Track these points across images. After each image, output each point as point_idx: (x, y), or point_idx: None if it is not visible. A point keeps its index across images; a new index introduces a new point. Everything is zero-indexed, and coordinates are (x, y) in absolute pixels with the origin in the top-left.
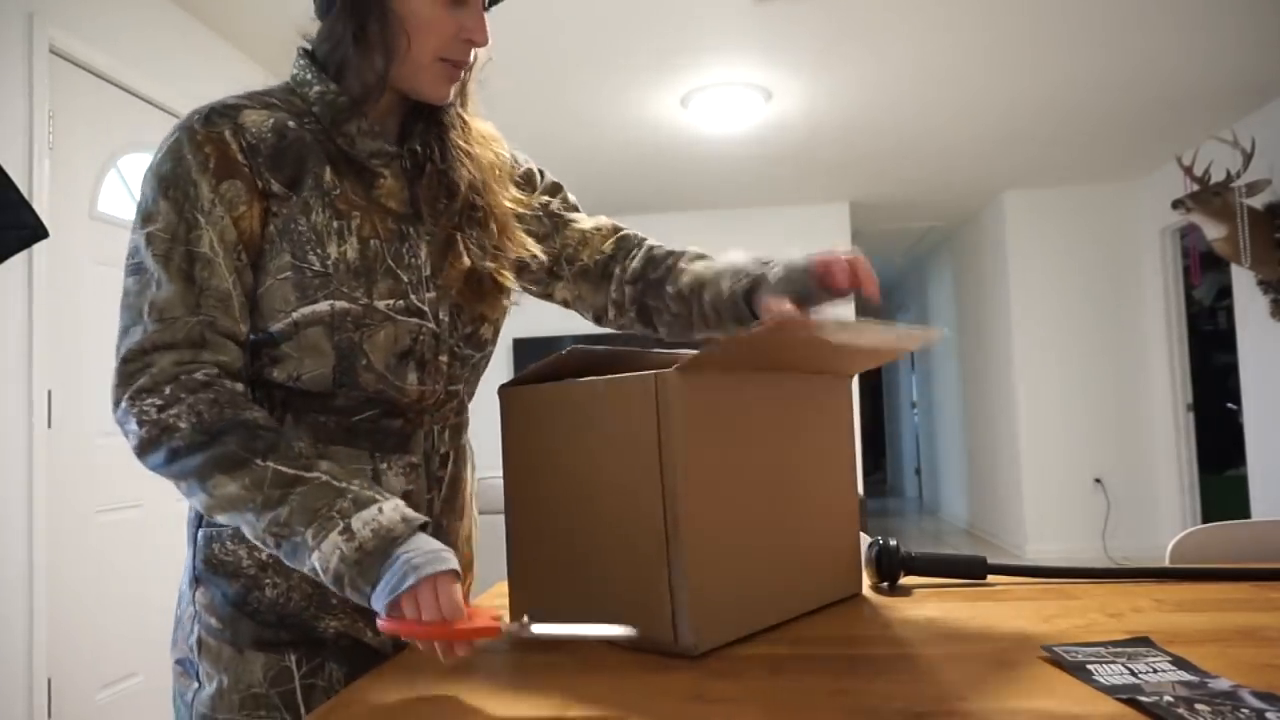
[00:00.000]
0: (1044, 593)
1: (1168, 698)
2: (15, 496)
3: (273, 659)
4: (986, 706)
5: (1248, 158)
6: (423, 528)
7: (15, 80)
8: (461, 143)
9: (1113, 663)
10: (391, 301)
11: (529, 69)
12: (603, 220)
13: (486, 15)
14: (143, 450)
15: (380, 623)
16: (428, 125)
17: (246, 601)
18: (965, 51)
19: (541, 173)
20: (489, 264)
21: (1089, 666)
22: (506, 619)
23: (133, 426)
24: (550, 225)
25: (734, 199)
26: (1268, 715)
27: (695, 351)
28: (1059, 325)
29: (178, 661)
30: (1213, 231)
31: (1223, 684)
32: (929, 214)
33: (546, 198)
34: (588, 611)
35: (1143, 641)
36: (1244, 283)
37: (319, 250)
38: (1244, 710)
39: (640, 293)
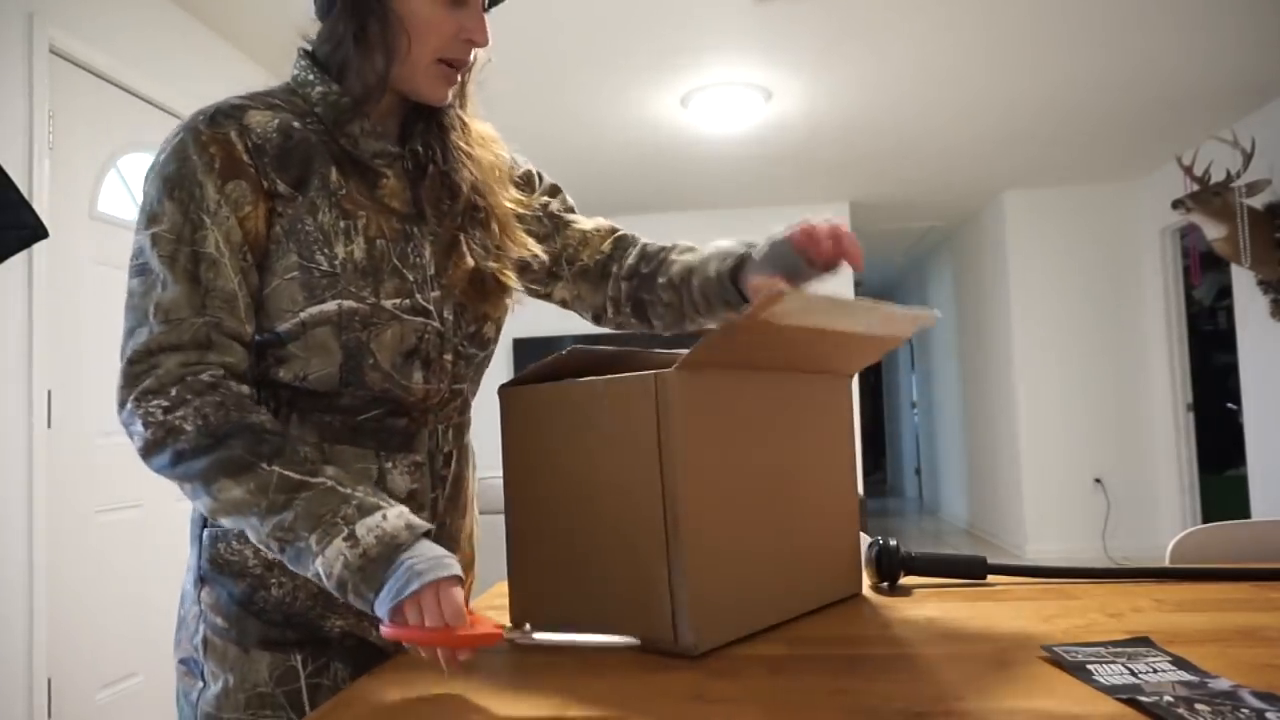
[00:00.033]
0: (1044, 593)
1: (1168, 698)
2: (15, 496)
3: (278, 658)
4: (986, 706)
5: (1248, 158)
6: (426, 535)
7: (15, 80)
8: (462, 144)
9: (1113, 663)
10: (398, 301)
11: (529, 69)
12: (601, 221)
13: (486, 16)
14: (148, 452)
15: (383, 629)
16: (428, 126)
17: (252, 601)
18: (965, 51)
19: (540, 175)
20: (492, 264)
21: (1089, 666)
22: (507, 621)
23: (138, 428)
24: (551, 226)
25: (734, 199)
26: (1268, 715)
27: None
28: (1059, 325)
29: (182, 661)
30: (1213, 231)
31: (1223, 684)
32: (929, 214)
33: (546, 198)
34: (587, 611)
35: (1143, 641)
36: (1244, 283)
37: (326, 250)
38: (1244, 710)
39: (635, 288)
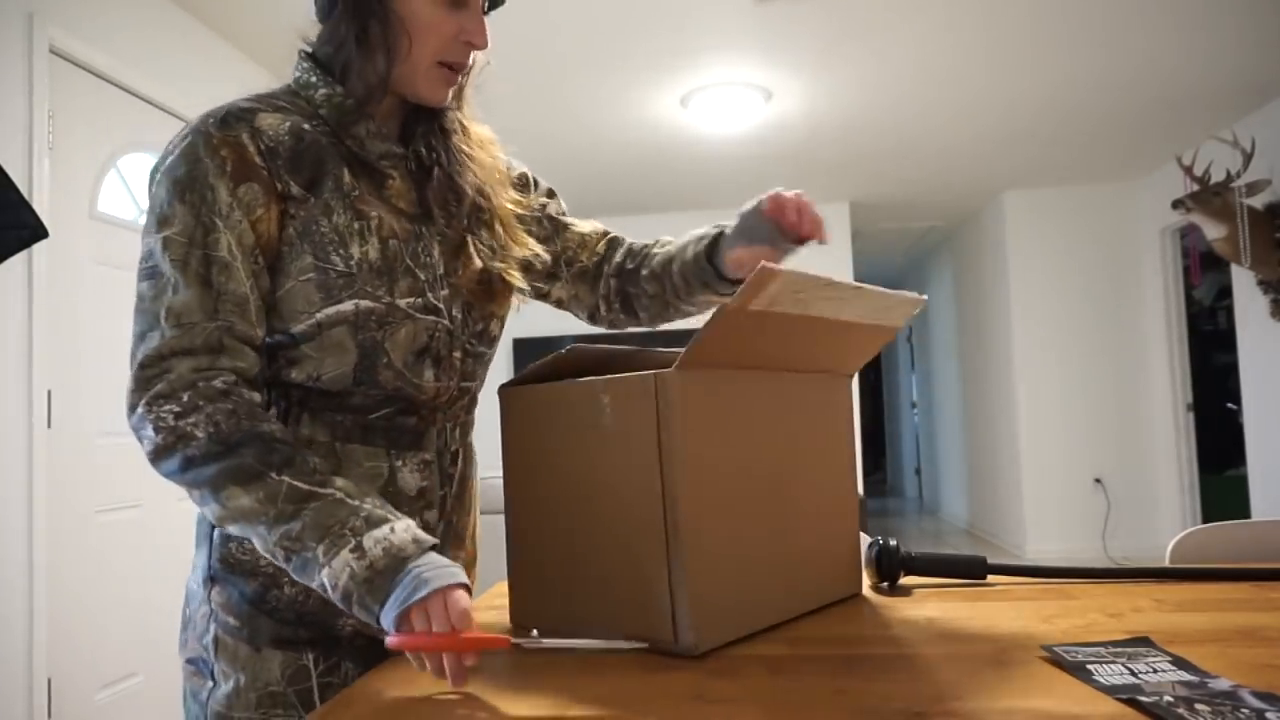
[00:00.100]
0: (1044, 593)
1: (1168, 698)
2: (15, 496)
3: (290, 657)
4: (986, 706)
5: (1248, 158)
6: (433, 549)
7: (15, 80)
8: (464, 147)
9: (1113, 663)
10: (412, 300)
11: (529, 70)
12: (595, 224)
13: (486, 19)
14: (157, 456)
15: (389, 639)
16: (429, 128)
17: (265, 600)
18: (965, 51)
19: (536, 179)
20: (498, 264)
21: (1089, 666)
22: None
23: (149, 432)
24: (551, 228)
25: (734, 199)
26: (1268, 715)
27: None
28: (1059, 325)
29: (189, 661)
30: (1213, 231)
31: (1223, 684)
32: (929, 214)
33: (545, 200)
34: (587, 611)
35: (1143, 641)
36: (1244, 283)
37: (342, 251)
38: (1244, 710)
39: (621, 283)
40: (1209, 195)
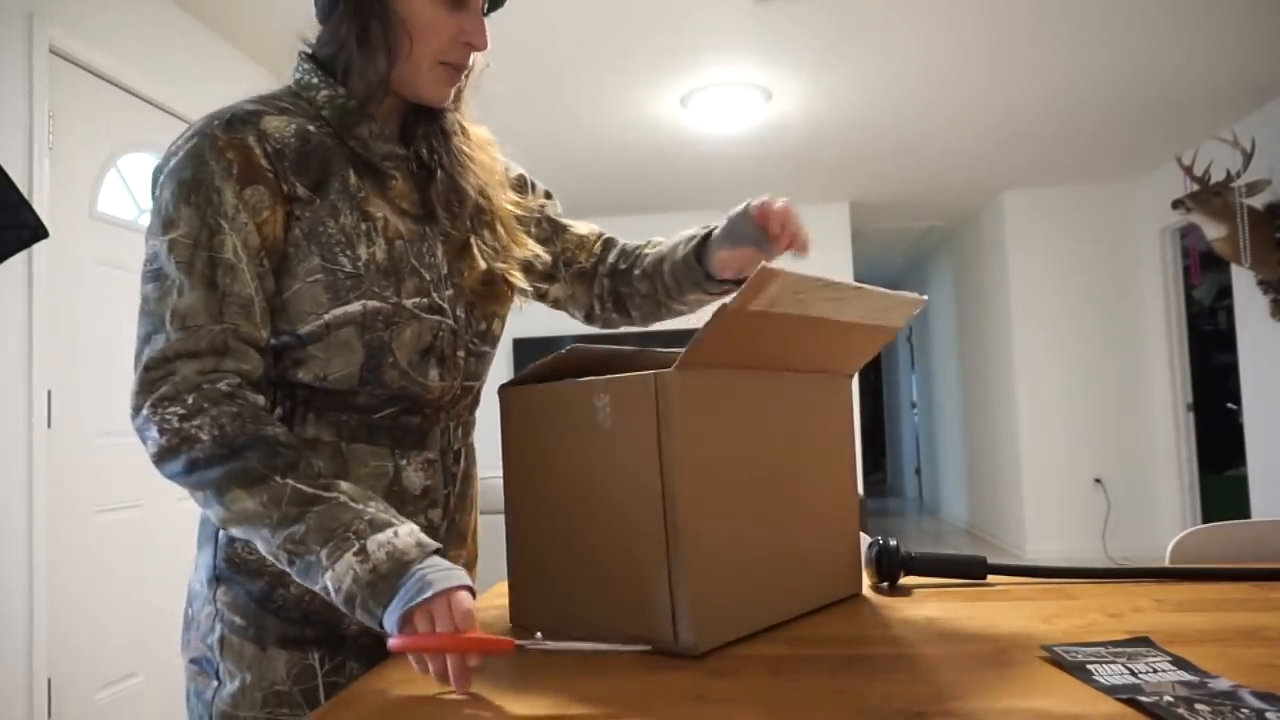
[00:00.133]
0: (1044, 593)
1: (1168, 698)
2: (15, 496)
3: (296, 656)
4: (986, 706)
5: (1248, 158)
6: (436, 553)
7: (15, 80)
8: (465, 148)
9: (1113, 663)
10: (418, 300)
11: (529, 71)
12: (592, 226)
13: (486, 21)
14: (161, 458)
15: (391, 642)
16: (429, 130)
17: (271, 599)
18: (966, 51)
19: (533, 182)
20: (500, 265)
21: (1089, 666)
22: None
23: (153, 434)
24: (550, 230)
25: (734, 199)
26: (1268, 715)
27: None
28: (1059, 325)
29: (193, 660)
30: (1213, 231)
31: (1223, 684)
32: (929, 214)
33: (543, 202)
34: (588, 611)
35: (1143, 641)
36: (1244, 283)
37: (349, 252)
38: (1244, 710)
39: (615, 283)
40: (1209, 195)
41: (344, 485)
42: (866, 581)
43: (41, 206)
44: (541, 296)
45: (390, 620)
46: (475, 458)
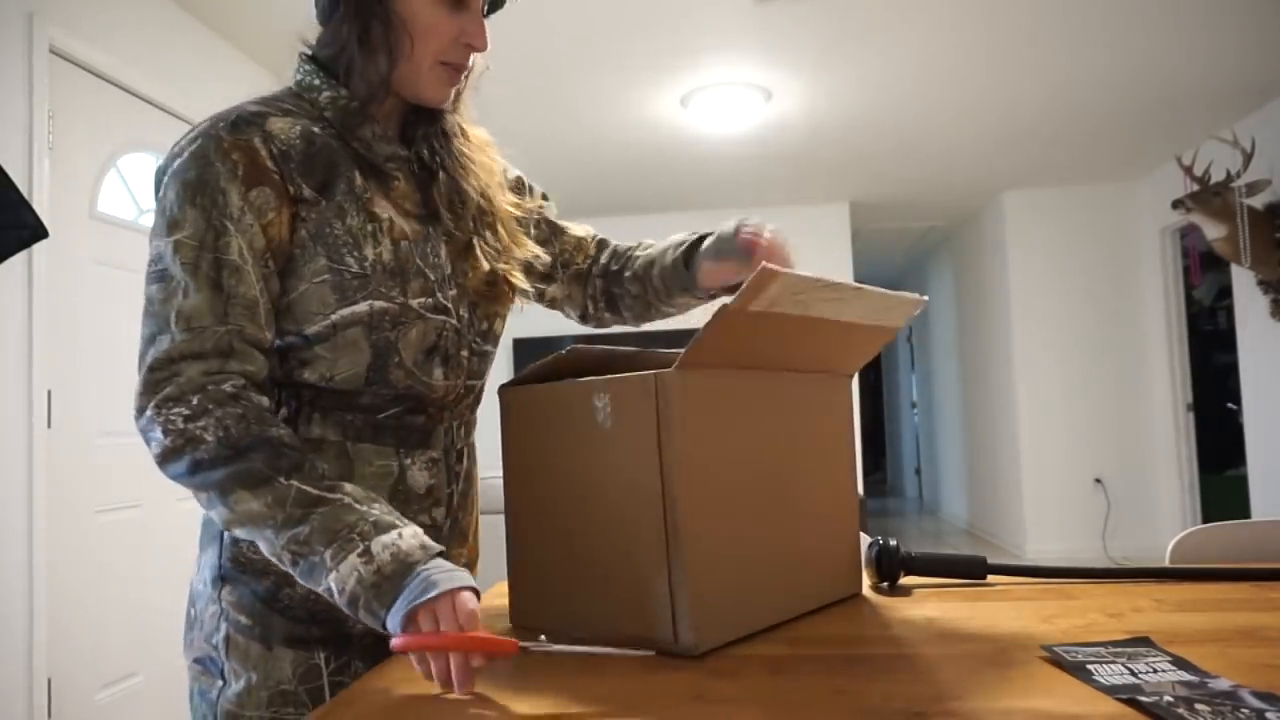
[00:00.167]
0: (1044, 593)
1: (1168, 698)
2: (15, 496)
3: (301, 656)
4: (986, 706)
5: (1248, 158)
6: (439, 555)
7: (15, 80)
8: (465, 150)
9: (1113, 663)
10: (423, 300)
11: (529, 71)
12: (587, 228)
13: (486, 22)
14: (165, 459)
15: (394, 641)
16: (429, 131)
17: (277, 598)
18: (966, 51)
19: (530, 184)
20: (502, 266)
21: (1089, 666)
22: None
23: (157, 435)
24: (548, 231)
25: (734, 199)
26: (1268, 715)
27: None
28: (1059, 325)
29: (196, 660)
30: (1213, 231)
31: (1223, 684)
32: (929, 214)
33: (541, 203)
34: (588, 611)
35: (1143, 641)
36: (1244, 283)
37: (356, 253)
38: (1244, 710)
39: (607, 284)
40: (1209, 195)
41: (348, 487)
42: (866, 581)
43: (41, 206)
44: (539, 296)
45: (394, 620)
46: (476, 456)
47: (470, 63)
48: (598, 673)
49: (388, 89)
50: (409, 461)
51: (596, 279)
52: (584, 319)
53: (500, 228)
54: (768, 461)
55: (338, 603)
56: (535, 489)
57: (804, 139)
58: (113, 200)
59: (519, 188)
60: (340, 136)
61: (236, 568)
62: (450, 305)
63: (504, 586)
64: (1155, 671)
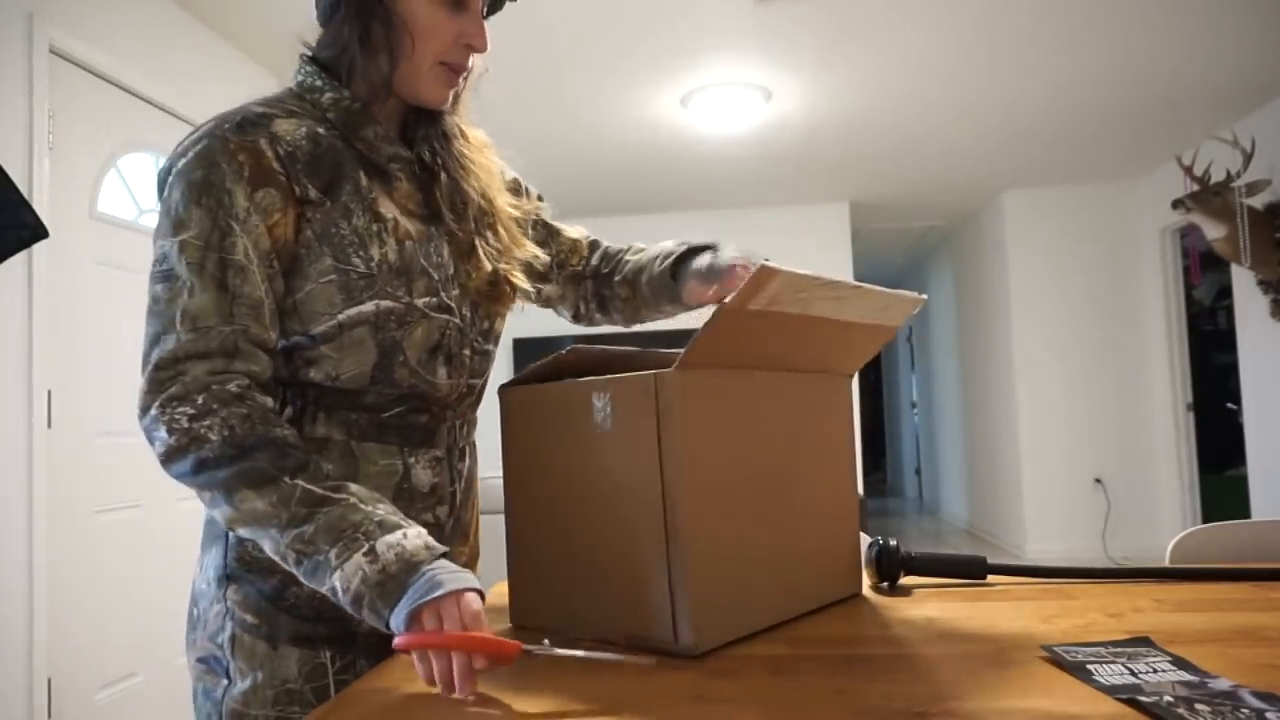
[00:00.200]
0: (1044, 593)
1: (1168, 698)
2: (15, 496)
3: (307, 655)
4: (986, 706)
5: (1248, 158)
6: (443, 556)
7: (15, 80)
8: (466, 151)
9: (1113, 663)
10: (428, 299)
11: (529, 72)
12: (581, 229)
13: (486, 23)
14: (169, 458)
15: (397, 639)
16: (430, 132)
17: (283, 597)
18: (966, 51)
19: (526, 186)
20: (504, 266)
21: (1089, 666)
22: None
23: (161, 434)
24: (545, 233)
25: (734, 199)
26: (1268, 715)
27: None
28: (1059, 325)
29: (200, 660)
30: (1213, 231)
31: (1223, 684)
32: (929, 214)
33: (538, 204)
34: (588, 611)
35: (1143, 641)
36: (1244, 283)
37: (362, 252)
38: (1244, 710)
39: (597, 285)
40: (1209, 195)
41: (353, 487)
42: (866, 581)
43: (41, 206)
44: (534, 296)
45: (398, 619)
46: (476, 455)
47: (470, 64)
48: (598, 673)
49: (389, 90)
50: (413, 460)
51: (588, 280)
52: (576, 319)
53: (501, 229)
54: (768, 461)
55: (341, 602)
56: (535, 489)
57: (804, 139)
58: (113, 200)
59: (516, 189)
60: (343, 137)
61: (242, 567)
62: (453, 305)
63: (504, 586)
64: (1155, 671)
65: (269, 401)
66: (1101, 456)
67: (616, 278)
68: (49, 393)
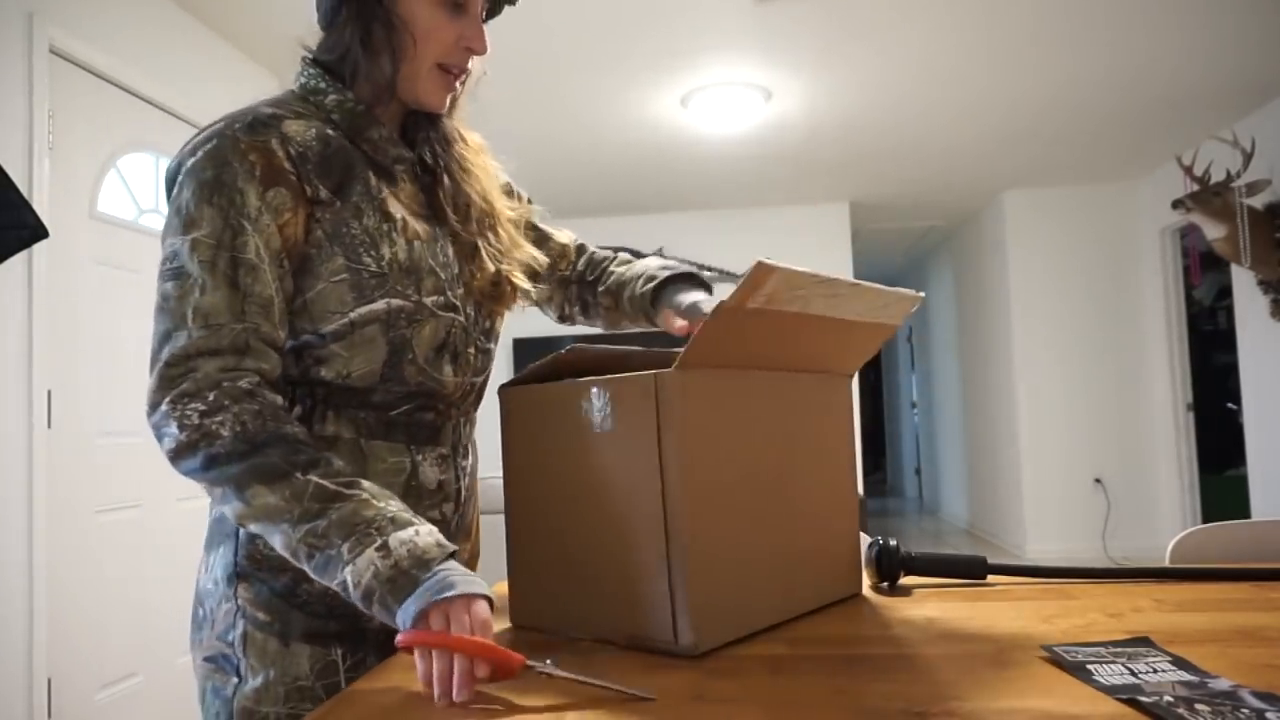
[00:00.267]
0: (1044, 593)
1: (1168, 698)
2: (15, 496)
3: (319, 652)
4: (986, 706)
5: (1248, 158)
6: (452, 555)
7: (15, 80)
8: (466, 154)
9: (1113, 663)
10: (435, 298)
11: (529, 72)
12: (569, 233)
13: (485, 26)
14: (179, 454)
15: (400, 636)
16: (430, 135)
17: (295, 594)
18: (966, 51)
19: (518, 191)
20: (505, 267)
21: (1089, 666)
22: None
23: (172, 430)
24: (535, 236)
25: (734, 199)
26: (1268, 715)
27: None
28: (1059, 325)
29: (208, 659)
30: (1213, 231)
31: (1223, 684)
32: (929, 214)
33: (529, 207)
34: (587, 611)
35: (1143, 641)
36: (1244, 283)
37: (373, 252)
38: (1244, 710)
39: (581, 291)
40: (1209, 195)
41: (365, 483)
42: (866, 581)
43: (41, 206)
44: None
45: (406, 613)
46: (477, 453)
47: (469, 67)
48: (598, 672)
49: (393, 92)
50: (420, 458)
51: (574, 285)
52: (561, 320)
53: (501, 230)
54: (768, 461)
55: (351, 597)
56: (535, 488)
57: (804, 139)
58: (113, 200)
59: (508, 192)
60: (349, 138)
61: (253, 565)
62: (458, 304)
63: (504, 586)
64: (1155, 671)
65: (279, 399)
66: (1101, 456)
67: (600, 287)
68: (49, 393)
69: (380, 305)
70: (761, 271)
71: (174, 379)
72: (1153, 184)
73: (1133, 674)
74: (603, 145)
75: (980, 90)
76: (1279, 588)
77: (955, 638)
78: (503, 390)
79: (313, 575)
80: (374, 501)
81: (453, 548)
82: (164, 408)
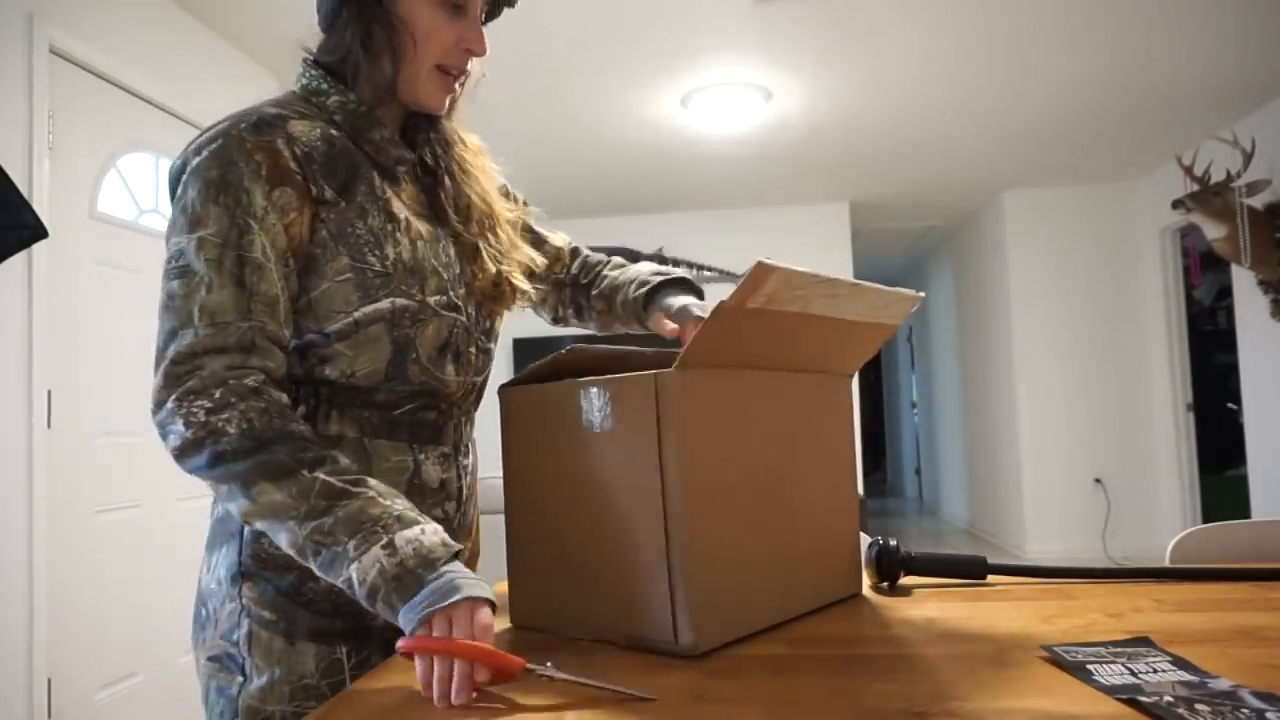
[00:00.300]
0: (1044, 593)
1: (1168, 698)
2: (15, 496)
3: (324, 650)
4: (986, 706)
5: (1248, 158)
6: (457, 555)
7: (15, 80)
8: (467, 156)
9: (1113, 663)
10: (439, 297)
11: (529, 73)
12: (564, 236)
13: (485, 28)
14: (184, 451)
15: (401, 643)
16: (430, 136)
17: (301, 592)
18: (966, 51)
19: (515, 194)
20: (505, 268)
21: (1089, 666)
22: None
23: (178, 427)
24: (531, 238)
25: (734, 199)
26: (1268, 715)
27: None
28: (1059, 325)
29: (212, 658)
30: (1213, 231)
31: (1223, 684)
32: (929, 214)
33: (526, 209)
34: (587, 611)
35: (1143, 641)
36: (1244, 283)
37: (378, 252)
38: (1244, 710)
39: (574, 293)
40: (1209, 195)
41: (371, 481)
42: (866, 581)
43: (41, 206)
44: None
45: (409, 616)
46: (476, 452)
47: (468, 68)
48: (598, 672)
49: (394, 93)
50: (423, 457)
51: (567, 288)
52: (554, 321)
53: (501, 231)
54: (768, 461)
55: (356, 594)
56: (535, 488)
57: (804, 139)
58: (113, 200)
59: (505, 194)
60: (351, 139)
61: (258, 564)
62: (460, 304)
63: (504, 586)
64: (1155, 671)
65: (284, 397)
66: (1101, 456)
67: (594, 291)
68: (49, 393)
69: (385, 305)
70: (761, 271)
71: (180, 376)
72: (1153, 184)
73: (1133, 674)
74: (603, 145)
75: (980, 90)
76: (1279, 588)
77: (955, 638)
78: (503, 390)
79: (318, 572)
80: (380, 499)
81: (458, 547)
82: (170, 405)
